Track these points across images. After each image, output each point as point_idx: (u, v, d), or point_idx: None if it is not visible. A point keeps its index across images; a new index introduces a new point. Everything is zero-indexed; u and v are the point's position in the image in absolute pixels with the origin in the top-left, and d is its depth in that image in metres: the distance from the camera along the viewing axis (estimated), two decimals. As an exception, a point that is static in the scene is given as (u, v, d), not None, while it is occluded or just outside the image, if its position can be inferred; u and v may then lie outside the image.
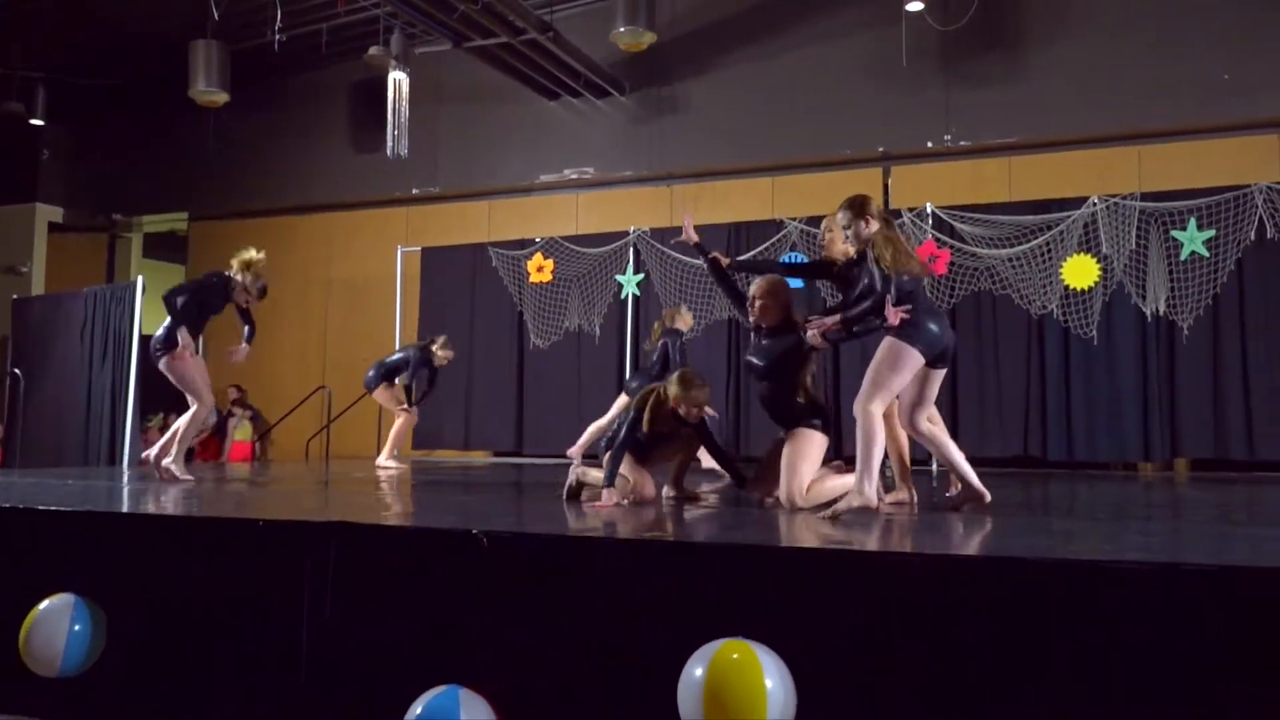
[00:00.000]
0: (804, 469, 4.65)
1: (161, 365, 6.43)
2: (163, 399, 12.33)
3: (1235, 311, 8.84)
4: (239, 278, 6.49)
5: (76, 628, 3.45)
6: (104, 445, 10.27)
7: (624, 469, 4.97)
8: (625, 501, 4.85)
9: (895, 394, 4.42)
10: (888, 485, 4.89)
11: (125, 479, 6.81)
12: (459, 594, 3.29)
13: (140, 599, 3.68)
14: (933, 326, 4.33)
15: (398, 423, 8.98)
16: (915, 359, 4.30)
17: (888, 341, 4.34)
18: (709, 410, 5.14)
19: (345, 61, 12.47)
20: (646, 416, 4.91)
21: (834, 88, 10.64)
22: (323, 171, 13.19)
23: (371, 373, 8.93)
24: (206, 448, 13.07)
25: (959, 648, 2.68)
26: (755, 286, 4.93)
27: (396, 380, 8.93)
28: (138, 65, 12.83)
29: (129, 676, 3.63)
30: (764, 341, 4.89)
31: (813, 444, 4.72)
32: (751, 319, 4.94)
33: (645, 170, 11.55)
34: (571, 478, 5.22)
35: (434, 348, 8.83)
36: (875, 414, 4.32)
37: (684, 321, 8.27)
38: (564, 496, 5.15)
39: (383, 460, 8.87)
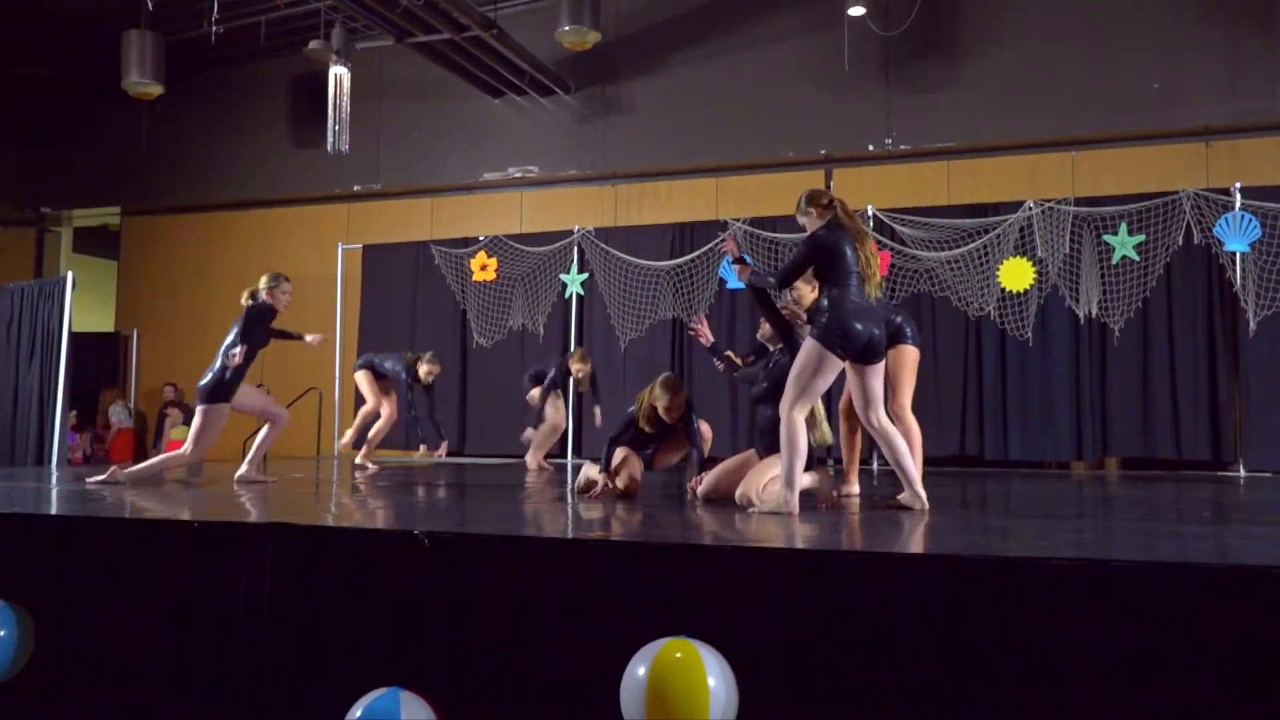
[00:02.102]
0: (770, 474, 4.71)
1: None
2: (78, 397, 12.02)
3: (1164, 314, 9.08)
4: (268, 298, 6.41)
5: (1, 633, 3.35)
6: (31, 445, 9.99)
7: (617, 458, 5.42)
8: (613, 485, 5.28)
9: (817, 397, 4.48)
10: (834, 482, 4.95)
11: (54, 480, 6.62)
12: (399, 595, 3.26)
13: (70, 603, 3.59)
14: (856, 325, 4.34)
15: (379, 423, 8.46)
16: (833, 362, 4.35)
17: (806, 344, 4.41)
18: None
19: (285, 55, 12.24)
20: (641, 415, 5.33)
21: (777, 90, 10.72)
22: (261, 166, 12.95)
23: (361, 360, 8.58)
24: (122, 449, 12.78)
25: (898, 645, 2.71)
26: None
27: (386, 377, 8.45)
28: (69, 55, 12.49)
29: (59, 682, 3.53)
30: (769, 366, 5.07)
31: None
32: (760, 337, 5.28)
33: (590, 170, 11.53)
34: (581, 478, 5.63)
35: (420, 366, 8.39)
36: (797, 419, 4.35)
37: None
38: (576, 492, 5.59)
39: (359, 460, 8.45)
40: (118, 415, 12.83)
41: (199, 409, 6.21)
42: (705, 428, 5.76)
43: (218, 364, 6.24)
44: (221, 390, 6.21)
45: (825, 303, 4.42)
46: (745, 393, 5.56)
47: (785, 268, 4.63)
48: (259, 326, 6.37)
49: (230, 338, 6.27)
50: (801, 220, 4.67)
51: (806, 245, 4.53)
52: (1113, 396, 9.17)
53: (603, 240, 10.78)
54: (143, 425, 13.19)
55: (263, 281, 6.48)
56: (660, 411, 5.27)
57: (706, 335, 5.44)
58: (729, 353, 5.69)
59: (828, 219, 4.55)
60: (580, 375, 8.49)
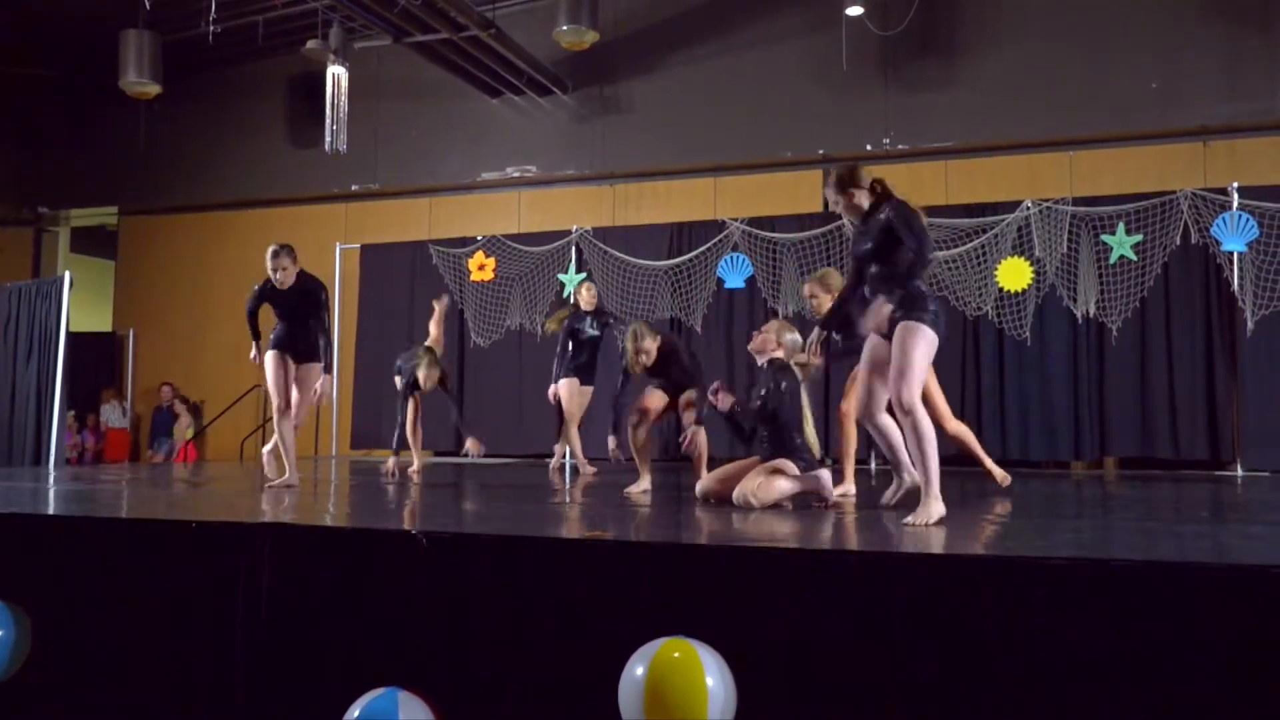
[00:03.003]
0: (766, 477, 4.68)
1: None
2: (75, 397, 12.02)
3: (1161, 314, 9.09)
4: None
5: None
6: (29, 445, 9.97)
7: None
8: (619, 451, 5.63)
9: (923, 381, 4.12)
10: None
11: (51, 480, 6.61)
12: (397, 595, 3.26)
13: (68, 603, 3.59)
14: (938, 311, 4.11)
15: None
16: (935, 343, 4.04)
17: (910, 326, 4.01)
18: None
19: (283, 54, 12.24)
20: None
21: (775, 90, 10.72)
22: (259, 166, 12.95)
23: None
24: (116, 448, 12.78)
25: (897, 644, 2.71)
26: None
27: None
28: (67, 54, 12.47)
29: (57, 682, 3.53)
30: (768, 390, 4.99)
31: (789, 467, 4.76)
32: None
33: (588, 169, 11.53)
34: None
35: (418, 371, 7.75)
36: (921, 409, 3.95)
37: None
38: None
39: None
40: (108, 415, 12.81)
41: None
42: (701, 437, 5.74)
43: None
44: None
45: (918, 285, 4.11)
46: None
47: (922, 244, 4.18)
48: (255, 301, 6.04)
49: None
50: (859, 202, 4.30)
51: (917, 218, 4.19)
52: (1111, 396, 9.18)
53: (601, 240, 10.78)
54: (143, 424, 13.18)
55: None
56: (631, 362, 5.44)
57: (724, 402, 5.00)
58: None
59: (881, 191, 4.28)
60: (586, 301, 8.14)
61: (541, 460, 9.72)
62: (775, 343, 4.90)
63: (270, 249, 5.87)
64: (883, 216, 4.23)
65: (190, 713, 3.37)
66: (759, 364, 4.98)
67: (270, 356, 5.93)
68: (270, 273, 5.82)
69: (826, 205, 10.56)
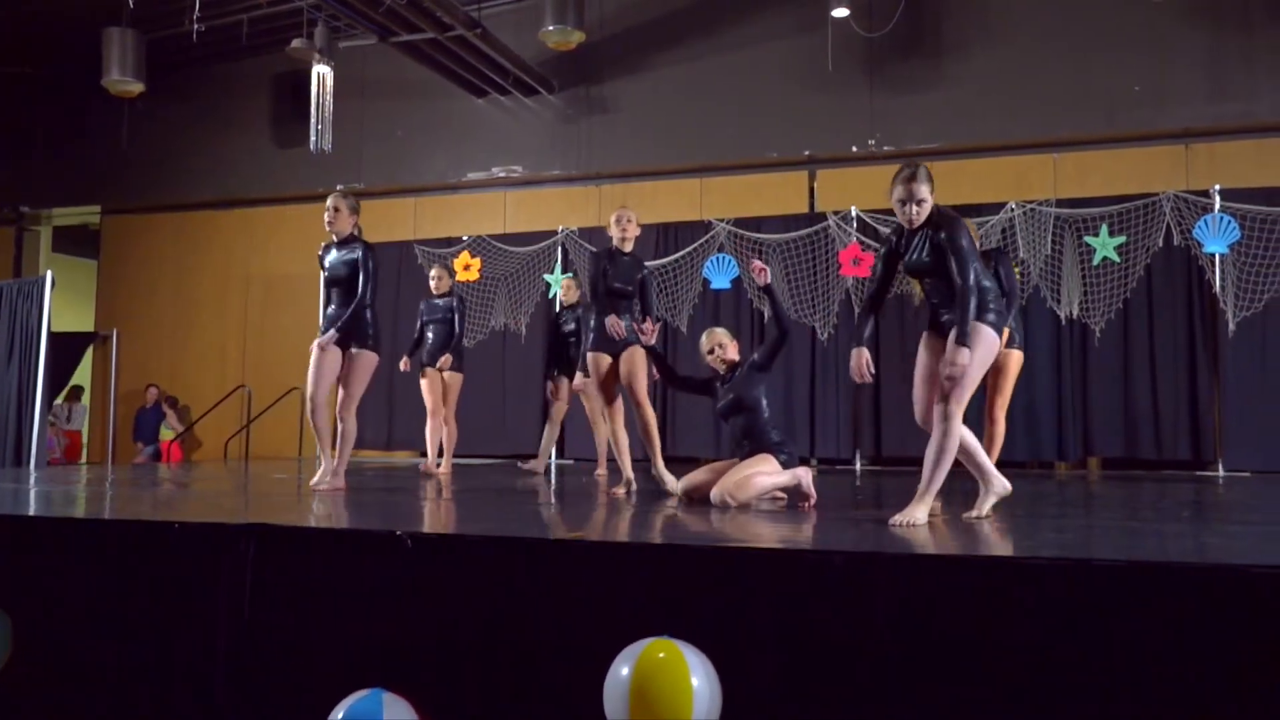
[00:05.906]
0: (746, 472, 4.70)
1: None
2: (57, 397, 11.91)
3: (1144, 315, 9.15)
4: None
5: (-21, 635, 3.32)
6: (9, 446, 9.89)
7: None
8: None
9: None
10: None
11: (32, 480, 6.56)
12: (382, 596, 3.25)
13: (49, 605, 3.56)
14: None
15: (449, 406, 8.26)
16: (995, 345, 3.97)
17: (987, 333, 3.89)
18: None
19: (267, 53, 12.19)
20: None
21: (761, 91, 10.74)
22: (243, 165, 12.88)
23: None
24: (68, 450, 12.68)
25: (881, 645, 2.72)
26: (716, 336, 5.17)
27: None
28: (48, 52, 12.39)
29: (37, 684, 3.50)
30: (732, 378, 5.07)
31: (770, 464, 4.80)
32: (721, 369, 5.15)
33: (574, 170, 11.52)
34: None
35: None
36: (960, 419, 3.91)
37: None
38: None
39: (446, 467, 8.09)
40: (54, 415, 12.65)
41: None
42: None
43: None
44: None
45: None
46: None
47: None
48: None
49: None
50: (924, 196, 3.92)
51: (966, 231, 3.90)
52: (1094, 397, 9.23)
53: (587, 240, 10.77)
54: (132, 423, 13.08)
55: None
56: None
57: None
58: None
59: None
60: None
61: (526, 459, 9.71)
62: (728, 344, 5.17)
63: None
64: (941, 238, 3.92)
65: (173, 714, 3.35)
66: (719, 371, 5.14)
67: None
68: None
69: (812, 206, 10.62)
